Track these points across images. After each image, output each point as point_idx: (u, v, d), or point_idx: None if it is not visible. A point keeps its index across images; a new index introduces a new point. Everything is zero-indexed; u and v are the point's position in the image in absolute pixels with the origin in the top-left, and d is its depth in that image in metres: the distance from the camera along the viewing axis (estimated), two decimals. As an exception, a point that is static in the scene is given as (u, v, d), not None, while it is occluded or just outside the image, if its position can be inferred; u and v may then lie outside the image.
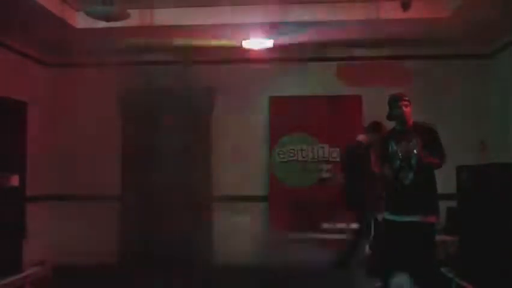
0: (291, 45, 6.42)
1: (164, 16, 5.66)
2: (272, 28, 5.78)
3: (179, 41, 6.16)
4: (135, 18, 5.34)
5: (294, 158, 6.66)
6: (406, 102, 4.22)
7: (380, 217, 4.84)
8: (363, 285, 5.08)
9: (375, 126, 5.29)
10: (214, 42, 6.22)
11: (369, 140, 5.30)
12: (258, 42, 6.17)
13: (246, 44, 6.21)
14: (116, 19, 4.86)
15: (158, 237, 6.56)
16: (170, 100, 6.63)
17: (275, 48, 6.30)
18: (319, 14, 5.57)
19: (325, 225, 6.46)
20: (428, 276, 4.16)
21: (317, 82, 6.73)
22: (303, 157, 6.64)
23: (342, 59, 6.80)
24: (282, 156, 6.68)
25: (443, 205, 5.94)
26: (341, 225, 6.51)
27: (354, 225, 5.61)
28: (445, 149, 4.20)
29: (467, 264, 4.98)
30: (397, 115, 4.23)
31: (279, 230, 6.42)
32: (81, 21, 5.60)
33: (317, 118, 6.60)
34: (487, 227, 4.64)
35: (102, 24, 4.98)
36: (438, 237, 5.78)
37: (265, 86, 6.77)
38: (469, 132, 6.49)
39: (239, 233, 6.65)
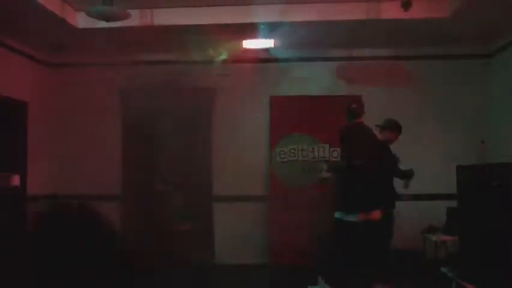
0: (291, 45, 6.43)
1: (164, 16, 5.66)
2: (272, 28, 5.78)
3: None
4: (135, 18, 5.35)
5: (295, 158, 6.66)
6: None
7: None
8: (361, 284, 5.07)
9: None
10: (214, 42, 6.22)
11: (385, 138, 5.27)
12: (258, 42, 6.17)
13: (246, 44, 6.21)
14: (116, 19, 4.86)
15: (158, 237, 6.57)
16: (171, 100, 6.63)
17: (275, 48, 6.30)
18: (319, 14, 5.57)
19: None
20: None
21: (317, 82, 6.72)
22: (304, 157, 6.64)
23: (342, 59, 6.81)
24: (282, 156, 6.67)
25: (443, 205, 6.01)
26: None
27: None
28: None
29: (467, 264, 4.98)
30: None
31: (279, 229, 6.42)
32: (81, 21, 5.60)
33: (318, 118, 6.59)
34: (487, 227, 4.63)
35: (102, 24, 4.99)
36: (439, 237, 5.83)
37: (265, 86, 6.78)
38: (469, 132, 6.49)
39: (239, 233, 6.65)
